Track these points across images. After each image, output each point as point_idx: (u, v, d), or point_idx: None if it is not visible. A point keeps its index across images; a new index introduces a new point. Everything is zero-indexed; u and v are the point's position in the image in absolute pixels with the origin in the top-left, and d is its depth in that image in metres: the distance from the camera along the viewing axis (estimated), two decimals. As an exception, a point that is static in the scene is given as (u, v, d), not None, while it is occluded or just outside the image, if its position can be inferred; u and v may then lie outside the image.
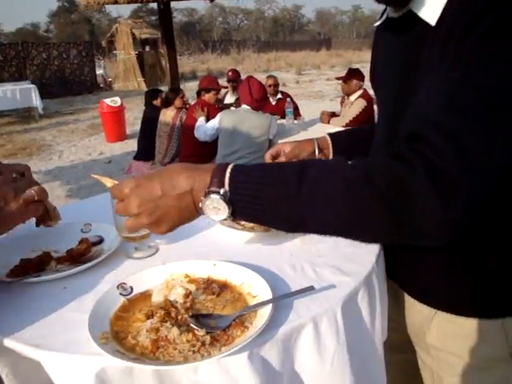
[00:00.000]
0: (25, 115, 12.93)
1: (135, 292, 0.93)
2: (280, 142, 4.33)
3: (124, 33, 19.15)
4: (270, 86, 5.89)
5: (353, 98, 5.28)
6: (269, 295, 0.86)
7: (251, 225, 1.21)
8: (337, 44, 57.18)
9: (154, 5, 6.39)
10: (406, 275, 1.11)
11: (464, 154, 0.72)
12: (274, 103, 5.98)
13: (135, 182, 0.83)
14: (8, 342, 0.80)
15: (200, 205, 0.80)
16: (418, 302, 1.08)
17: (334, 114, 5.43)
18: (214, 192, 0.78)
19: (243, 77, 6.26)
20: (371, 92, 6.04)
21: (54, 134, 10.49)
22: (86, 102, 15.86)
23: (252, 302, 0.88)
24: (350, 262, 1.02)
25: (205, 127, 4.43)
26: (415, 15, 0.91)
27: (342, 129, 4.58)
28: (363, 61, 35.61)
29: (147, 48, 19.83)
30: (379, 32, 1.17)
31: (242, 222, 1.24)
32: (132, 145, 8.52)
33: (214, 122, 4.35)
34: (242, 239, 1.18)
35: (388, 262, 1.11)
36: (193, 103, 5.15)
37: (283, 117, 5.54)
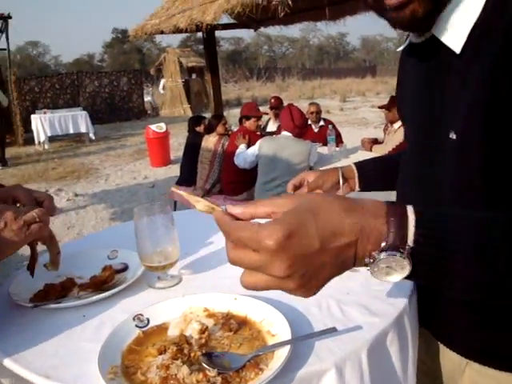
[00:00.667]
0: (76, 140, 13.47)
1: (151, 324, 0.89)
2: (321, 169, 4.33)
3: (171, 61, 19.75)
4: (312, 113, 5.88)
5: (396, 125, 5.20)
6: (288, 335, 0.80)
7: None
8: (382, 71, 56.94)
9: (202, 34, 6.57)
10: (436, 322, 1.03)
11: None
12: (316, 130, 5.96)
13: (285, 231, 0.55)
14: (18, 369, 0.79)
15: (366, 260, 0.60)
16: (449, 349, 1.00)
17: (376, 141, 5.35)
18: (394, 248, 0.58)
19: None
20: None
21: (102, 159, 10.83)
22: (134, 127, 16.35)
23: (270, 341, 0.82)
24: (379, 302, 0.95)
25: (245, 154, 4.44)
26: (439, 41, 0.84)
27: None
28: (409, 88, 35.36)
29: (193, 76, 20.37)
30: (404, 56, 1.11)
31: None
32: (175, 170, 8.66)
33: (254, 149, 4.35)
34: None
35: (418, 308, 1.03)
36: (235, 130, 5.20)
37: (325, 144, 5.51)
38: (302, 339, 0.81)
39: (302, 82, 35.63)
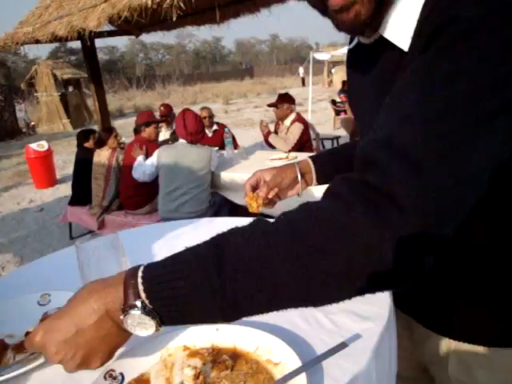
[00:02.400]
0: None
1: (128, 379, 0.75)
2: (223, 173, 4.30)
3: (44, 74, 18.55)
4: (204, 117, 5.81)
5: (287, 122, 5.33)
6: (296, 360, 0.71)
7: None
8: (259, 72, 58.69)
9: (73, 44, 6.22)
10: (419, 308, 1.04)
11: (415, 171, 0.60)
12: (210, 135, 5.91)
13: (43, 328, 0.70)
14: None
15: (124, 325, 0.68)
16: (435, 333, 1.01)
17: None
18: (131, 307, 0.65)
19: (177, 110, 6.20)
20: (303, 114, 6.14)
21: (-26, 186, 9.84)
22: (8, 148, 15.07)
23: (276, 372, 0.72)
24: (365, 305, 0.91)
25: (143, 166, 4.23)
26: (387, 41, 0.83)
27: (283, 155, 4.64)
28: (286, 86, 36.85)
29: (70, 88, 19.32)
30: (352, 56, 1.09)
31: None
32: (64, 190, 8.12)
33: (152, 160, 4.18)
34: None
35: (399, 296, 1.03)
36: (130, 141, 4.96)
37: (221, 148, 5.48)
38: (315, 363, 0.72)
39: (183, 88, 35.46)
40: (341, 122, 11.18)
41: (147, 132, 4.74)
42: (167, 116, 6.36)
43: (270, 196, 1.22)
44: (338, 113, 13.26)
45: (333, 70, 32.25)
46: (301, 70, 37.93)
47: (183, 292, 0.64)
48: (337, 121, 13.07)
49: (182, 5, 3.42)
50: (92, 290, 0.70)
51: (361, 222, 0.59)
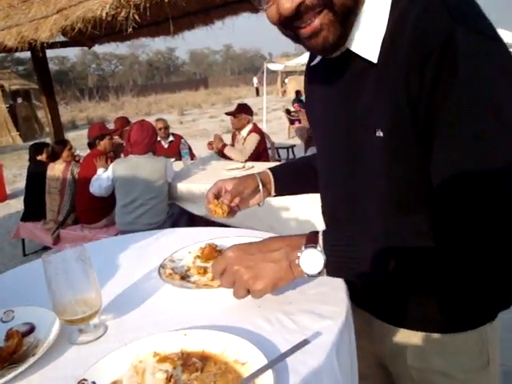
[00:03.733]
0: None
1: None
2: (180, 184, 4.30)
3: (-10, 85, 17.96)
4: (160, 128, 5.80)
5: (244, 132, 5.38)
6: (262, 359, 0.75)
7: (205, 281, 1.12)
8: (213, 82, 58.77)
9: (21, 54, 6.06)
10: (378, 304, 1.11)
11: None
12: (166, 146, 5.89)
13: (236, 246, 0.93)
14: None
15: (296, 261, 0.85)
16: (394, 326, 1.08)
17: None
18: (310, 246, 0.84)
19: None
20: (258, 124, 6.21)
21: None
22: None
23: (244, 371, 0.76)
24: (323, 304, 0.97)
25: (100, 180, 4.18)
26: (353, 53, 0.92)
27: (240, 165, 4.69)
28: (241, 96, 37.02)
29: (19, 100, 18.75)
30: (313, 70, 1.16)
31: (193, 279, 1.15)
32: (15, 205, 7.88)
33: (108, 174, 4.13)
34: (198, 299, 1.06)
35: (358, 293, 1.09)
36: (85, 155, 4.87)
37: (178, 159, 5.48)
38: (280, 360, 0.77)
39: (137, 99, 35.11)
40: (295, 131, 11.36)
41: (102, 145, 4.68)
42: (122, 130, 6.24)
43: (232, 204, 1.25)
44: (292, 122, 13.47)
45: (286, 80, 32.71)
46: (255, 80, 38.28)
47: (354, 249, 0.84)
48: (291, 130, 13.28)
49: (137, 17, 3.43)
50: (278, 236, 0.95)
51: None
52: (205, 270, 1.18)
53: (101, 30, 3.84)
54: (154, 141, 4.28)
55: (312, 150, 7.64)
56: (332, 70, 1.02)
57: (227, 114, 5.72)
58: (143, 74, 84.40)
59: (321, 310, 0.95)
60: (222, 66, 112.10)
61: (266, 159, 5.50)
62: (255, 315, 0.96)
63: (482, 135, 0.77)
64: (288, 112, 13.99)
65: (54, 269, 0.89)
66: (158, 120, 6.02)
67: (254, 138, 5.22)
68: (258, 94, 36.58)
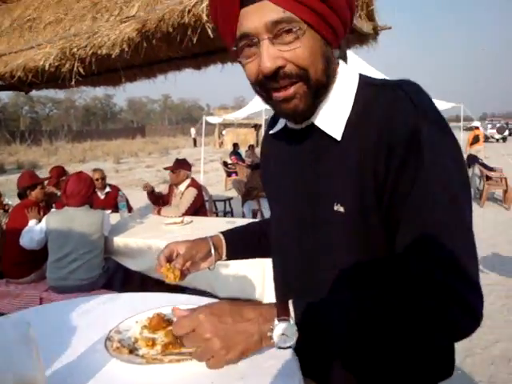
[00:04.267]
0: None
1: None
2: (116, 238, 4.18)
3: None
4: (97, 179, 5.69)
5: (182, 187, 5.37)
6: None
7: (154, 355, 1.08)
8: (151, 131, 58.70)
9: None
10: (327, 374, 1.10)
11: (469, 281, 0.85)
12: (102, 197, 5.76)
13: (208, 310, 0.88)
14: None
15: (269, 333, 0.84)
16: None
17: (154, 193, 5.44)
18: (282, 320, 0.83)
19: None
20: (196, 175, 6.21)
21: None
22: None
23: None
24: (275, 378, 0.98)
25: (32, 232, 3.97)
26: (317, 127, 1.00)
27: (178, 219, 4.65)
28: (179, 146, 37.08)
29: None
30: (272, 138, 1.21)
31: (141, 353, 1.11)
32: None
33: (41, 226, 3.95)
34: (148, 375, 1.02)
35: (309, 364, 1.09)
36: (15, 204, 4.63)
37: (114, 210, 5.36)
38: None
39: (71, 145, 34.28)
40: (232, 184, 11.47)
41: (34, 195, 4.49)
42: (58, 180, 6.02)
43: (183, 268, 1.25)
44: (229, 174, 13.64)
45: (224, 132, 33.25)
46: (193, 130, 38.59)
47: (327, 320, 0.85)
48: (228, 182, 13.41)
49: (81, 70, 3.41)
50: (246, 303, 0.91)
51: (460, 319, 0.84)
52: (153, 342, 1.15)
53: (42, 80, 3.77)
54: (91, 193, 4.17)
55: (249, 204, 7.71)
56: (294, 140, 1.08)
57: (166, 168, 5.70)
58: (79, 119, 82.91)
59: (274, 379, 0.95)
60: (159, 115, 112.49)
61: (204, 213, 5.49)
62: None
63: (442, 222, 0.85)
64: (225, 164, 14.18)
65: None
66: (94, 170, 5.90)
67: (192, 193, 5.23)
68: (195, 144, 36.83)
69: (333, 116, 0.99)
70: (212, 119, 17.46)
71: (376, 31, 5.06)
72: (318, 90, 0.95)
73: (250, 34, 0.90)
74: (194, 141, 37.43)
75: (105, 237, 4.10)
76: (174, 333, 0.90)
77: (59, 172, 6.03)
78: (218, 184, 14.47)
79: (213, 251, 1.32)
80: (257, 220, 5.32)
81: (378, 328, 0.83)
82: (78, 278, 3.81)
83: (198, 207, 5.35)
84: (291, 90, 0.92)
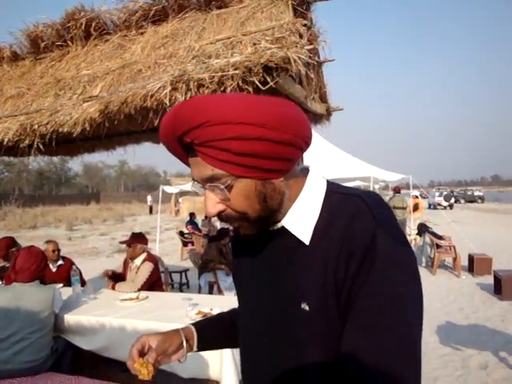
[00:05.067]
0: None
1: None
2: (67, 315, 4.01)
3: None
4: (53, 251, 5.54)
5: (138, 261, 5.26)
6: None
7: None
8: (106, 197, 57.95)
9: None
10: None
11: None
12: (54, 270, 5.58)
13: None
14: None
15: None
16: None
17: (114, 274, 5.31)
18: None
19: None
20: (152, 244, 6.12)
21: None
22: None
23: None
24: None
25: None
26: (287, 231, 1.06)
27: (134, 294, 4.53)
28: (134, 214, 36.66)
29: None
30: (241, 239, 1.25)
31: None
32: None
33: (-16, 303, 3.75)
34: None
35: None
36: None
37: (67, 284, 5.18)
38: None
39: (22, 210, 33.23)
40: (189, 256, 11.35)
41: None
42: (7, 251, 5.77)
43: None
44: (185, 244, 13.52)
45: (180, 200, 33.21)
46: (149, 198, 38.38)
47: None
48: (184, 251, 13.27)
49: (41, 146, 3.41)
50: None
51: None
52: None
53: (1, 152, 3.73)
54: (42, 268, 4.02)
55: (206, 276, 7.61)
56: (265, 240, 1.13)
57: (121, 242, 5.61)
58: (31, 182, 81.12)
59: None
60: (115, 181, 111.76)
61: (160, 287, 5.38)
62: None
63: (386, 326, 0.89)
64: (181, 234, 14.06)
65: None
66: (48, 242, 5.74)
67: (148, 267, 5.14)
68: (151, 212, 36.55)
69: (301, 220, 1.05)
70: (169, 189, 17.47)
71: (329, 112, 5.35)
72: (262, 221, 1.04)
73: (196, 180, 1.01)
74: (150, 208, 37.19)
75: (55, 314, 3.93)
76: None
77: (8, 243, 5.79)
78: (173, 253, 14.28)
79: (184, 344, 1.31)
80: (213, 297, 5.26)
81: None
82: (23, 360, 3.58)
83: (154, 281, 5.25)
84: (236, 224, 1.04)
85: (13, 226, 22.93)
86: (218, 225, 13.82)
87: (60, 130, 3.16)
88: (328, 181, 1.12)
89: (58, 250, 5.69)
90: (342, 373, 0.92)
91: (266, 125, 0.91)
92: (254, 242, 1.18)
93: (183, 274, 9.21)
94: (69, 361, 4.16)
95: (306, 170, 1.11)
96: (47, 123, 3.27)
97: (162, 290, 5.38)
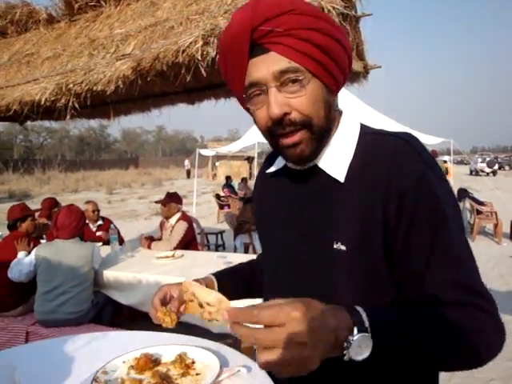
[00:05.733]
0: None
1: None
2: (107, 271, 4.15)
3: None
4: (93, 211, 5.70)
5: (173, 220, 5.36)
6: None
7: None
8: (144, 162, 58.83)
9: None
10: None
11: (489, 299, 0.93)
12: (94, 229, 5.75)
13: (306, 307, 0.75)
14: None
15: (345, 344, 0.78)
16: None
17: (152, 239, 5.39)
18: (361, 331, 0.78)
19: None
20: (188, 207, 6.22)
21: None
22: None
23: None
24: None
25: (20, 265, 3.93)
26: (320, 169, 1.07)
27: (170, 253, 4.64)
28: (172, 178, 37.17)
29: None
30: (268, 176, 1.27)
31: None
32: None
33: (31, 258, 3.91)
34: None
35: None
36: (4, 236, 4.60)
37: (106, 243, 5.34)
38: None
39: (64, 175, 34.23)
40: (225, 217, 11.47)
41: (24, 227, 4.47)
42: (50, 211, 5.98)
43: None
44: (221, 207, 13.67)
45: (217, 164, 33.41)
46: (186, 162, 38.74)
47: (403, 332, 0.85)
48: (220, 214, 13.42)
49: (76, 105, 3.46)
50: (328, 311, 0.79)
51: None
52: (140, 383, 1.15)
53: (37, 113, 3.82)
54: (82, 225, 4.17)
55: (241, 238, 7.70)
56: (295, 180, 1.14)
57: (157, 202, 5.71)
58: (73, 148, 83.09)
59: None
60: (153, 146, 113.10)
61: (195, 247, 5.48)
62: None
63: (459, 251, 0.95)
64: (218, 197, 14.21)
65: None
66: (88, 202, 5.91)
67: (183, 226, 5.22)
68: (188, 176, 36.94)
69: (336, 159, 1.06)
70: (205, 152, 17.57)
71: (366, 70, 5.19)
72: (322, 135, 1.03)
73: (258, 83, 0.98)
74: (188, 172, 37.56)
75: (95, 270, 4.07)
76: (257, 316, 0.74)
77: (51, 203, 6.02)
78: (210, 216, 14.46)
79: None
80: (248, 256, 5.31)
81: (441, 347, 0.86)
82: (66, 311, 3.77)
83: (189, 240, 5.34)
84: (297, 137, 1.00)
85: (56, 189, 23.68)
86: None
87: (94, 88, 3.20)
88: (361, 123, 1.12)
89: (98, 211, 5.85)
90: (437, 302, 0.92)
91: (337, 29, 1.00)
92: (281, 184, 1.18)
93: (219, 236, 9.35)
94: (109, 314, 4.33)
95: (339, 112, 1.12)
96: (81, 82, 3.32)
97: (198, 250, 5.47)
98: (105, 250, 4.77)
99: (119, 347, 1.36)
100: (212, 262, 4.30)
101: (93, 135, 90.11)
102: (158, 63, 2.90)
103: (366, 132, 1.08)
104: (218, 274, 1.40)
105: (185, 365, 1.24)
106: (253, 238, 7.44)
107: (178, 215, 5.38)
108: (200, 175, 30.39)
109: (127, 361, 1.27)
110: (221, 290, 1.34)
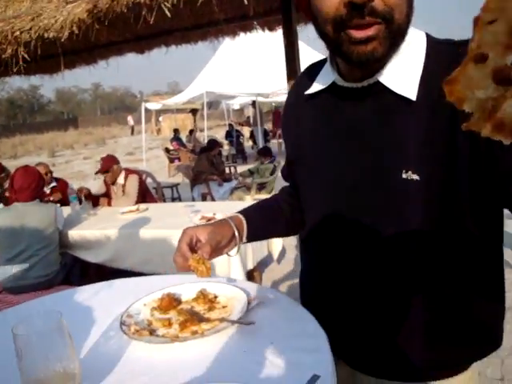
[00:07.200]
0: None
1: None
2: (71, 231, 4.03)
3: None
4: (45, 174, 5.45)
5: (121, 180, 5.15)
6: None
7: (175, 333, 1.08)
8: (84, 122, 56.71)
9: None
10: (359, 356, 1.08)
11: None
12: (48, 191, 5.53)
13: None
14: None
15: None
16: (378, 379, 1.06)
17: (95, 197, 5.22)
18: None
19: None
20: (138, 163, 6.03)
21: None
22: None
23: None
24: (306, 354, 0.96)
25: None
26: (383, 87, 0.92)
27: (134, 207, 4.53)
28: (115, 136, 36.06)
29: None
30: (308, 100, 1.10)
31: (161, 333, 1.09)
32: None
33: (-14, 225, 3.73)
34: (176, 353, 1.00)
35: (339, 346, 1.06)
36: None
37: (63, 204, 5.16)
38: None
39: (-1, 141, 32.46)
40: (179, 169, 11.35)
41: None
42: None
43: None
44: (172, 160, 13.50)
45: (160, 118, 32.67)
46: (130, 118, 37.65)
47: None
48: (171, 168, 13.26)
49: (26, 56, 3.21)
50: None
51: None
52: (169, 322, 1.13)
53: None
54: (42, 186, 4.01)
55: (198, 188, 7.66)
56: (348, 100, 1.00)
57: (97, 173, 5.50)
58: (3, 113, 78.56)
59: (305, 360, 0.93)
60: (91, 105, 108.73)
61: (152, 199, 5.39)
62: (243, 362, 0.94)
63: None
64: (167, 150, 13.99)
65: (29, 343, 0.79)
66: (39, 164, 5.63)
67: (134, 179, 5.08)
68: (132, 133, 36.05)
69: (403, 74, 0.91)
70: (151, 105, 17.06)
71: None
72: (397, 36, 0.88)
73: None
74: (132, 129, 36.62)
75: (59, 231, 3.95)
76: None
77: (-1, 166, 5.74)
78: (161, 171, 14.23)
79: (237, 234, 1.13)
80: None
81: None
82: (35, 275, 3.65)
83: (144, 192, 5.24)
84: (372, 30, 0.84)
85: (-8, 156, 22.51)
86: (203, 140, 13.75)
87: (45, 35, 2.96)
88: (426, 32, 0.97)
89: (51, 172, 5.62)
90: None
91: None
92: (327, 107, 1.04)
93: (174, 189, 9.25)
94: (78, 274, 4.25)
95: None
96: (30, 28, 3.05)
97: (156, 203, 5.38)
98: (65, 211, 4.60)
99: (130, 294, 1.32)
100: (180, 211, 4.27)
101: (24, 97, 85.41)
102: (116, 4, 2.69)
103: (433, 41, 0.94)
104: (245, 213, 1.22)
105: (208, 300, 1.22)
106: (210, 187, 7.41)
107: (123, 174, 5.21)
108: (144, 131, 29.66)
109: (148, 303, 1.24)
110: (250, 229, 1.19)
